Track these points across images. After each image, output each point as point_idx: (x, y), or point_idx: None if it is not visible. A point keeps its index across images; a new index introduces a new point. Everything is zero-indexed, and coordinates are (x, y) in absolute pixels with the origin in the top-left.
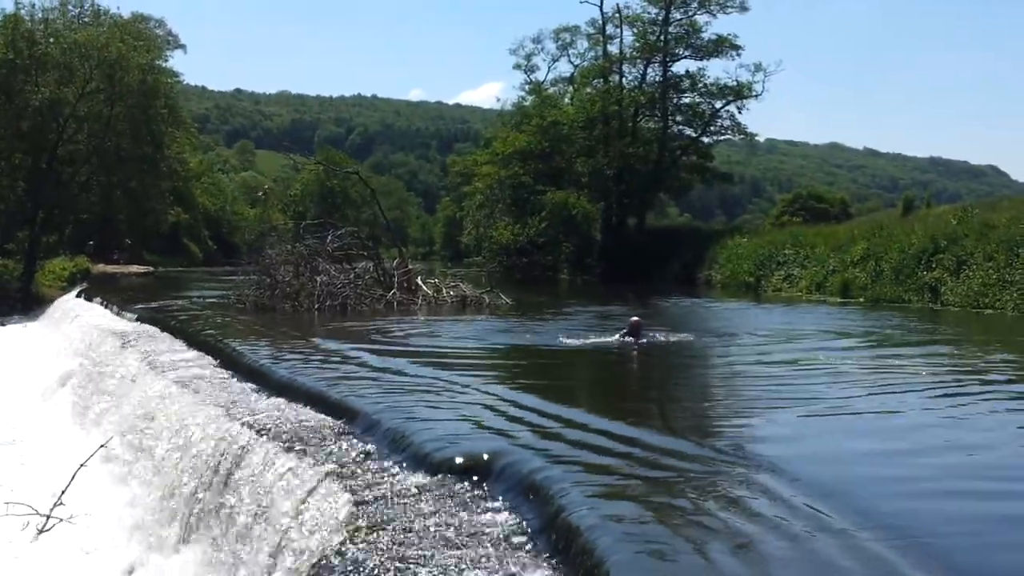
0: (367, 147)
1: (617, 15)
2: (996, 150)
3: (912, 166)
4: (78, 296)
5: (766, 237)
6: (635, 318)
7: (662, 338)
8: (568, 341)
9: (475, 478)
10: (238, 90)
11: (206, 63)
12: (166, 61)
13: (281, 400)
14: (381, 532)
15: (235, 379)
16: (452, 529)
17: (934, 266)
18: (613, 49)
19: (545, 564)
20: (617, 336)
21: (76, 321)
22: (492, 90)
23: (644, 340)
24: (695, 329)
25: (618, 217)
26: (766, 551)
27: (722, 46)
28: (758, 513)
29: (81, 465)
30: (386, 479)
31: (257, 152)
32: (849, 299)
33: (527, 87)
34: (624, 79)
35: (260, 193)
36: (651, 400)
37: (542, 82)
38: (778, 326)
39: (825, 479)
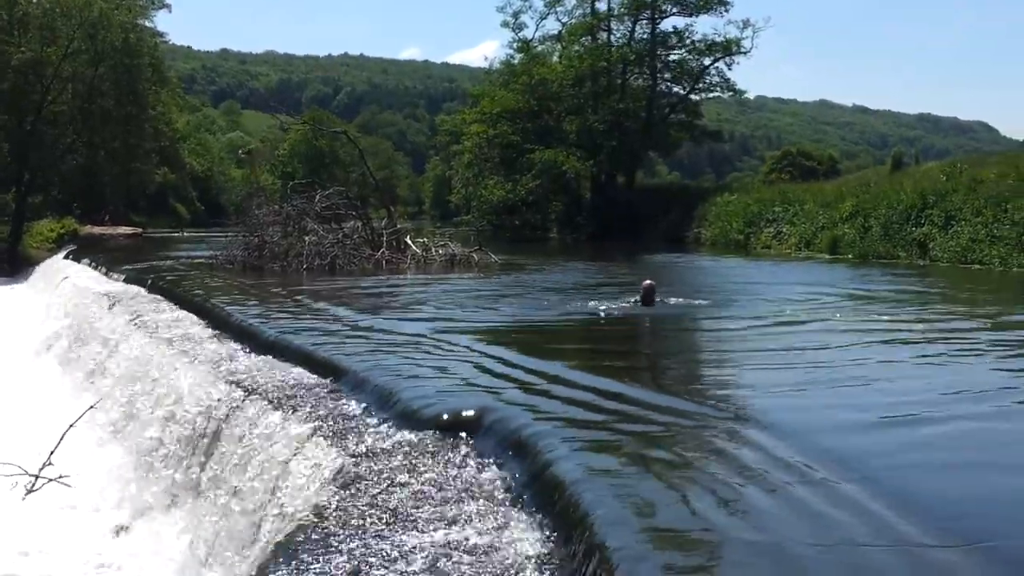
0: (355, 107)
1: None
2: (986, 106)
3: (901, 123)
4: (66, 257)
5: (755, 195)
6: (648, 282)
7: (674, 301)
8: (581, 306)
9: (462, 434)
10: (224, 50)
11: (191, 23)
12: (150, 20)
13: (269, 359)
14: (369, 488)
15: (223, 339)
16: (439, 485)
17: (923, 222)
18: (601, 6)
19: (531, 518)
20: (632, 302)
21: (64, 282)
22: (489, 48)
23: (658, 302)
24: (704, 291)
25: (608, 175)
26: (752, 503)
27: (710, 2)
28: (744, 465)
29: (70, 426)
30: (374, 436)
31: (244, 112)
32: (838, 256)
33: (515, 45)
34: (612, 36)
35: (242, 153)
36: (658, 364)
37: (530, 40)
38: (798, 287)
39: (810, 433)
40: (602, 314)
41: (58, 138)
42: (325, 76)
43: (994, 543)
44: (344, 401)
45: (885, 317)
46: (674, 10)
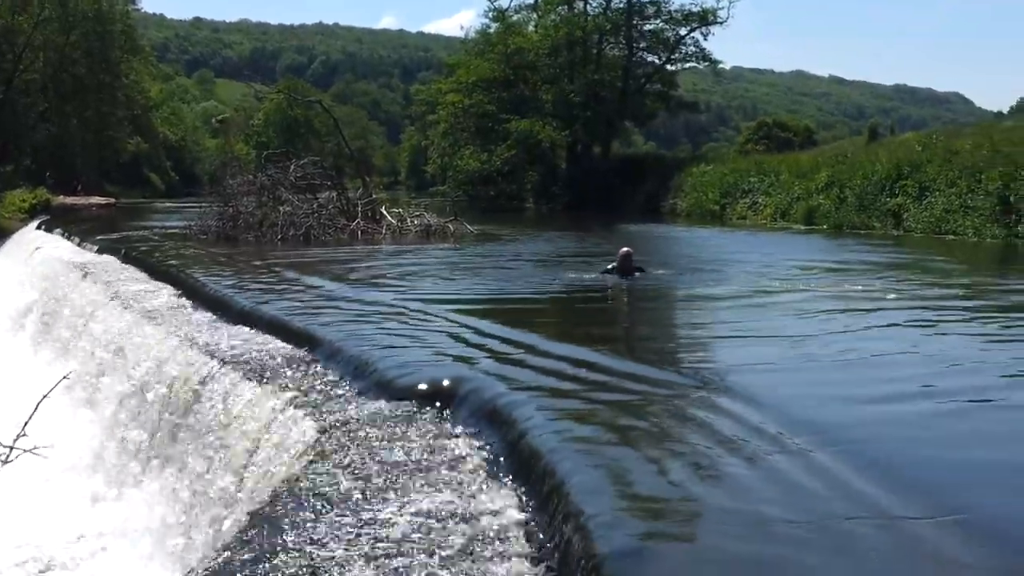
0: (329, 76)
1: None
2: (961, 77)
3: (878, 93)
4: (39, 228)
5: (731, 165)
6: (625, 249)
7: (658, 272)
8: (556, 276)
9: (438, 404)
10: (197, 19)
11: None
12: None
13: (244, 329)
14: (344, 458)
15: (197, 309)
16: (415, 454)
17: (897, 192)
18: None
19: (507, 487)
20: (609, 269)
21: (37, 253)
22: (465, 18)
23: (637, 275)
24: (680, 261)
25: (583, 145)
26: (728, 471)
27: None
28: (721, 435)
29: (44, 396)
30: (349, 406)
31: (218, 81)
32: (813, 226)
33: (491, 14)
34: (588, 5)
35: (216, 122)
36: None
37: (506, 9)
38: (775, 258)
39: (787, 404)
40: (571, 276)
41: (30, 107)
42: (300, 45)
43: (966, 515)
44: (320, 371)
45: (863, 288)
46: None
